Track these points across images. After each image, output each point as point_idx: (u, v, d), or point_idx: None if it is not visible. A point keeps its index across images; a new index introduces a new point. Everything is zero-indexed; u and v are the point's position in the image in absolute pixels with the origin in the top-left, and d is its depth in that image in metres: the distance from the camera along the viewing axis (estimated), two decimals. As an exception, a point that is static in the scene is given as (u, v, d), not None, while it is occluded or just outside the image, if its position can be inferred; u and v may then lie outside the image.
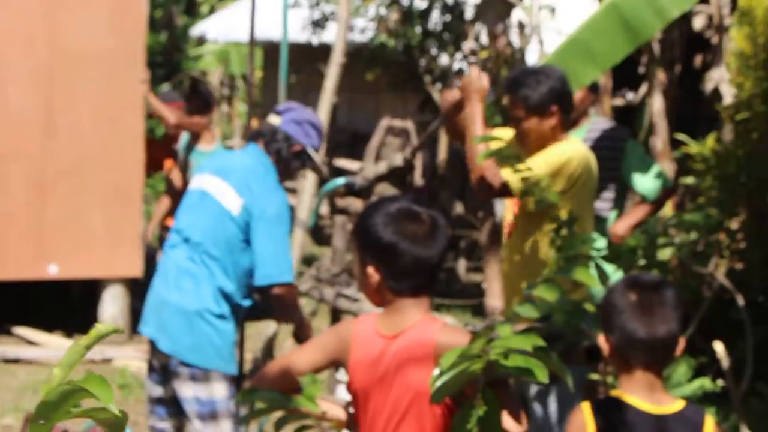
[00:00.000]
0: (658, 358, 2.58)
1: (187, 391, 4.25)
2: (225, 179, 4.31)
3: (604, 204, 5.13)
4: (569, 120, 4.26)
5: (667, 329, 2.54)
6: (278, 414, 2.60)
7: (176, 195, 8.48)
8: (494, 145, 3.51)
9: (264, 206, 4.23)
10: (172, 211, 8.55)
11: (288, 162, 4.42)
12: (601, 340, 2.62)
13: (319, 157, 4.57)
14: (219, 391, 4.25)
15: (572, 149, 4.10)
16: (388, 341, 2.53)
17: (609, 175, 5.09)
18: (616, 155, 5.15)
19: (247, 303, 4.37)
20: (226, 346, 4.26)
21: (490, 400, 2.22)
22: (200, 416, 4.25)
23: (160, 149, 8.77)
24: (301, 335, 4.52)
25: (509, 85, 4.14)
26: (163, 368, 4.33)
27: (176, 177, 8.35)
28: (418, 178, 8.57)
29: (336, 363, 2.69)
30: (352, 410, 2.63)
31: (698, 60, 6.81)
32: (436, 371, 2.23)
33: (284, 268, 4.24)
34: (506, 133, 4.27)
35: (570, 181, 4.04)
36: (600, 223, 5.08)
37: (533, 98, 4.02)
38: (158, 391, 4.40)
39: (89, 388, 1.18)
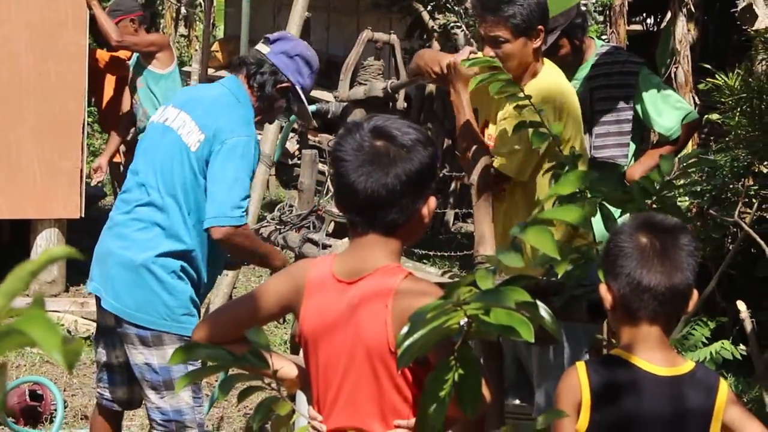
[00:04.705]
0: (668, 311, 2.51)
1: (138, 356, 4.14)
2: (189, 112, 4.17)
3: (618, 151, 4.99)
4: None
5: (681, 277, 2.48)
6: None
7: (125, 124, 8.28)
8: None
9: (225, 138, 4.07)
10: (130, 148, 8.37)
11: (271, 99, 4.27)
12: (603, 290, 2.55)
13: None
14: None
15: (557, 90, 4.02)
16: (344, 287, 2.52)
17: (622, 114, 5.03)
18: (630, 92, 5.04)
19: (213, 257, 4.23)
20: (180, 307, 4.10)
21: (469, 360, 2.11)
22: (154, 386, 4.15)
23: (108, 68, 8.55)
24: (275, 269, 4.36)
25: (487, 3, 3.99)
26: (110, 329, 4.21)
27: (126, 101, 8.14)
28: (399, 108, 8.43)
29: (289, 310, 2.66)
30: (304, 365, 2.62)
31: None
32: (405, 329, 2.10)
33: (230, 207, 4.03)
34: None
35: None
36: (614, 170, 4.96)
37: (521, 16, 3.92)
38: (106, 355, 4.28)
39: (30, 331, 1.10)
